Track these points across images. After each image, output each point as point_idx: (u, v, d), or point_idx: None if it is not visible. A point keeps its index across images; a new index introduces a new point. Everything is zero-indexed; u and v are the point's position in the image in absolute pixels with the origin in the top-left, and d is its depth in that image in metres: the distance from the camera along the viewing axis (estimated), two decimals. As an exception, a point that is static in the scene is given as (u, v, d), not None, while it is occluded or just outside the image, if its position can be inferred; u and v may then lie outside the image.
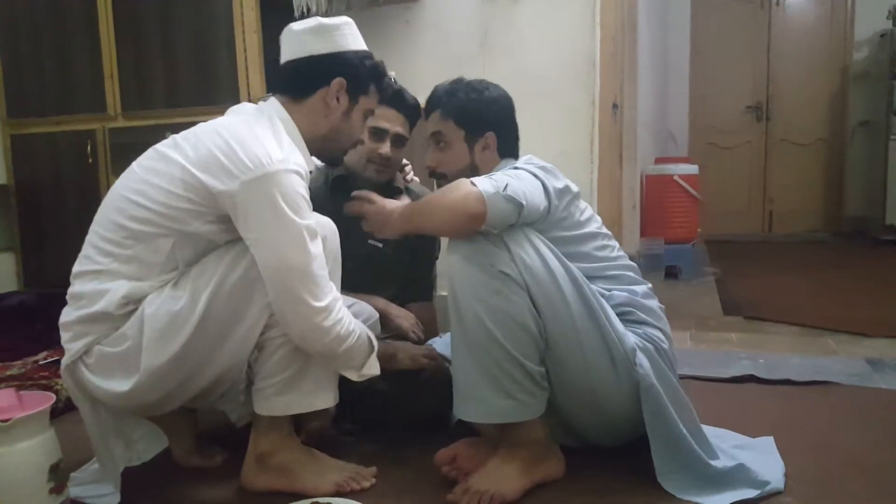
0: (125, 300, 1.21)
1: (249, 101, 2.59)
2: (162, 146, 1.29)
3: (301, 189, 1.21)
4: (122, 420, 1.38)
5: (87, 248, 1.28)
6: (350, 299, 1.52)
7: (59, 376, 1.93)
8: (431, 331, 1.95)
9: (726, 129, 5.86)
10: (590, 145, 2.72)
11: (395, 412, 1.58)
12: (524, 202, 1.26)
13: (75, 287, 1.26)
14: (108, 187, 2.84)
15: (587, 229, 1.43)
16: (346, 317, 1.26)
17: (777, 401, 1.79)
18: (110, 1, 2.77)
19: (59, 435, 1.24)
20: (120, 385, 1.22)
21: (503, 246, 1.27)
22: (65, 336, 1.26)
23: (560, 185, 1.39)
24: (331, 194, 1.72)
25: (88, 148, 2.86)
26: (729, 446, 1.42)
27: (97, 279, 1.23)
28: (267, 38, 2.65)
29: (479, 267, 1.26)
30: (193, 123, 2.68)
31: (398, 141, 1.74)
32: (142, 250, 1.22)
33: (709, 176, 5.20)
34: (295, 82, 1.34)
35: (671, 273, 3.89)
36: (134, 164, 1.31)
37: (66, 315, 1.27)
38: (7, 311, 2.76)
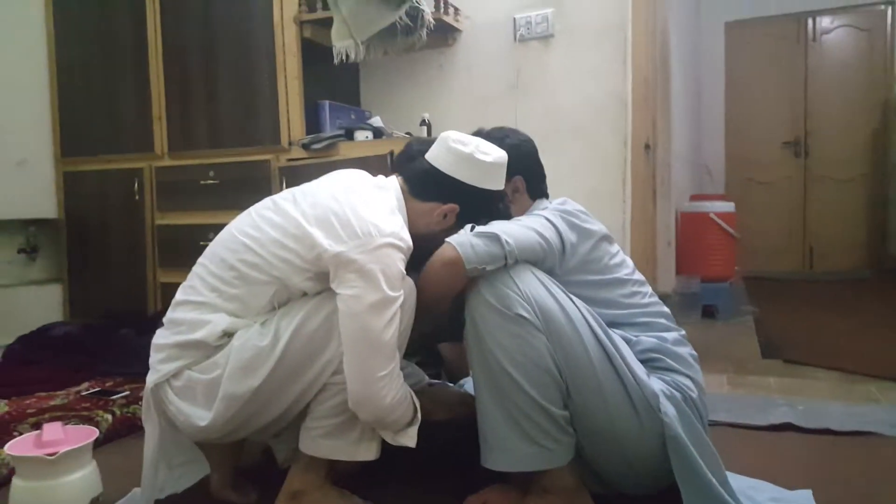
0: (224, 332, 1.28)
1: (290, 142, 2.69)
2: (281, 199, 1.37)
3: (400, 264, 1.27)
4: (175, 447, 1.43)
5: (192, 279, 1.36)
6: (404, 362, 1.56)
7: (100, 408, 2.01)
8: (462, 371, 1.96)
9: (764, 164, 5.78)
10: (622, 184, 2.73)
11: (425, 454, 1.59)
12: (497, 231, 1.29)
13: (176, 314, 1.33)
14: (153, 223, 2.99)
15: (615, 275, 1.43)
16: (401, 386, 1.29)
17: (816, 451, 1.74)
18: (160, 47, 2.92)
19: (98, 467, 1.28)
20: (200, 416, 1.27)
21: (515, 287, 1.28)
22: (156, 357, 1.33)
23: (586, 226, 1.41)
24: None
25: (135, 185, 2.99)
26: (765, 499, 1.39)
27: (198, 310, 1.31)
28: (307, 82, 2.75)
29: (495, 312, 1.27)
30: (235, 163, 2.83)
31: None
32: (246, 292, 1.30)
33: (747, 211, 5.12)
34: (422, 185, 1.43)
35: (708, 312, 3.83)
36: (252, 209, 1.40)
37: (162, 338, 1.33)
38: (53, 340, 2.84)
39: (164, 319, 1.36)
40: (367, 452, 1.34)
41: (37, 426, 1.84)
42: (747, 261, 5.21)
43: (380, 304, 1.22)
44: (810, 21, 5.60)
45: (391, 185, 1.42)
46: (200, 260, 1.38)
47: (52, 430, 1.28)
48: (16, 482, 1.23)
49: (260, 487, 1.51)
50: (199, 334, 1.28)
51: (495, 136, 1.56)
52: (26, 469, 1.23)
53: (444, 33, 2.95)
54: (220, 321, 1.28)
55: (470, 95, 3.01)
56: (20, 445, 1.26)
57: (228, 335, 1.28)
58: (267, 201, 1.40)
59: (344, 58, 2.67)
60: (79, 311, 3.20)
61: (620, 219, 2.73)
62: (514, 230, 1.32)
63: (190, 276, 1.38)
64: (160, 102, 2.94)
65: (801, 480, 1.49)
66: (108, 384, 2.34)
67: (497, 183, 1.44)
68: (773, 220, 5.71)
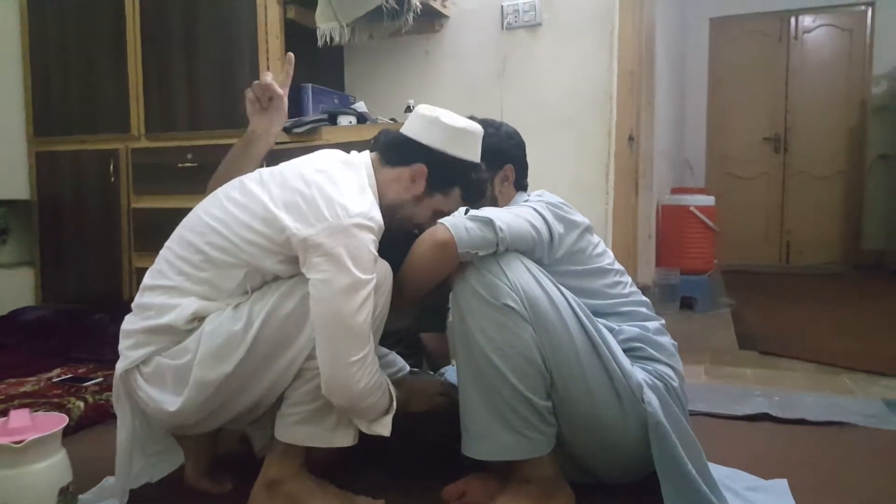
0: (193, 317, 1.25)
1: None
2: (248, 179, 1.34)
3: (371, 245, 1.23)
4: (149, 435, 1.40)
5: (160, 263, 1.32)
6: (383, 349, 1.55)
7: (72, 395, 1.97)
8: (443, 360, 1.95)
9: (744, 159, 5.85)
10: (605, 176, 2.73)
11: (404, 442, 1.58)
12: (492, 217, 1.28)
13: (144, 298, 1.30)
14: (129, 206, 2.91)
15: (599, 264, 1.44)
16: (375, 371, 1.26)
17: (792, 441, 1.76)
18: (138, 25, 2.85)
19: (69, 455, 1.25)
20: (170, 402, 1.25)
21: (503, 277, 1.27)
22: (125, 343, 1.29)
23: (570, 217, 1.42)
24: None
25: (111, 167, 2.92)
26: (742, 488, 1.41)
27: (167, 294, 1.28)
28: (289, 64, 2.69)
29: (483, 301, 1.26)
30: (214, 146, 2.77)
31: None
32: (215, 275, 1.27)
33: (726, 206, 5.18)
34: (392, 151, 1.40)
35: (687, 304, 3.87)
36: (219, 190, 1.36)
37: (131, 323, 1.30)
38: (25, 325, 2.79)
39: (133, 304, 1.32)
40: (345, 438, 1.32)
41: (4, 413, 1.79)
42: (726, 254, 5.27)
43: (350, 288, 1.19)
44: (793, 19, 5.65)
45: (361, 161, 1.38)
46: (167, 244, 1.34)
47: (19, 416, 1.24)
48: (-18, 469, 1.20)
49: (237, 476, 1.49)
50: (167, 318, 1.25)
51: (491, 122, 1.56)
52: (-7, 455, 1.19)
53: (431, 18, 2.92)
54: (189, 304, 1.25)
55: (456, 82, 2.98)
56: (-13, 431, 1.22)
57: (198, 319, 1.26)
58: (234, 182, 1.36)
59: (328, 40, 2.63)
60: (51, 295, 3.12)
61: (603, 210, 2.73)
62: (508, 218, 1.31)
63: (157, 259, 1.34)
64: (137, 82, 2.87)
65: (777, 469, 1.51)
66: (80, 371, 2.30)
67: (467, 151, 1.40)
68: (751, 214, 5.78)
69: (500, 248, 1.28)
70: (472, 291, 1.28)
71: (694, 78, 5.82)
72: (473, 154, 1.42)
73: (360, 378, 1.21)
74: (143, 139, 2.88)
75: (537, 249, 1.34)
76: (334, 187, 1.25)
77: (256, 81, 1.51)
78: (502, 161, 1.54)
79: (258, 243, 1.25)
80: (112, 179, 2.92)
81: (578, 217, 1.46)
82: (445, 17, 2.95)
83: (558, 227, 1.38)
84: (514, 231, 1.30)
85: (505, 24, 2.86)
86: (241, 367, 1.23)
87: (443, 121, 1.37)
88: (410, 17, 2.60)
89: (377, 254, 1.26)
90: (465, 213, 1.33)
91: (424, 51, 3.03)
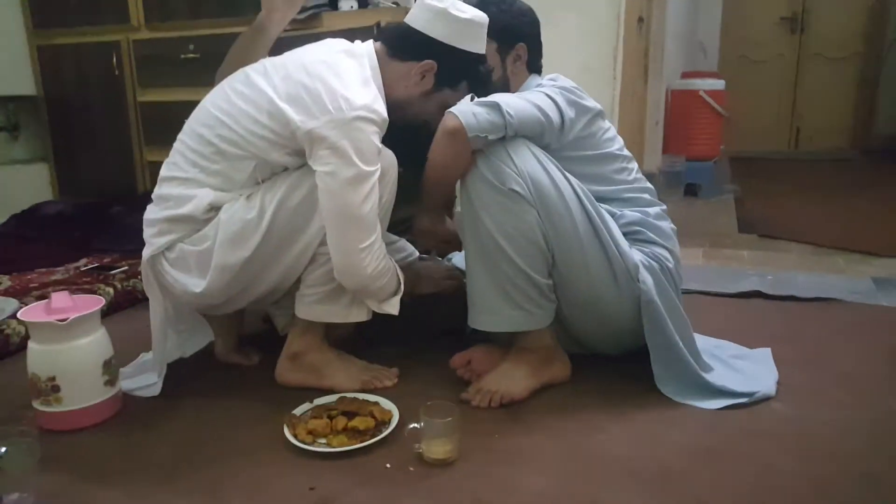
0: (210, 206, 1.32)
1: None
2: (252, 71, 1.36)
3: (375, 137, 1.27)
4: (180, 314, 1.51)
5: (174, 156, 1.38)
6: (392, 237, 1.61)
7: (100, 282, 2.08)
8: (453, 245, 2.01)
9: (759, 41, 5.65)
10: (613, 61, 2.69)
11: (415, 323, 1.69)
12: (499, 101, 1.30)
13: (163, 189, 1.37)
14: (136, 99, 2.91)
15: (608, 149, 1.47)
16: (383, 257, 1.34)
17: (779, 316, 1.87)
18: None
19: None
20: (195, 284, 1.35)
21: (510, 163, 1.31)
22: (149, 231, 1.38)
23: (582, 102, 1.43)
24: None
25: (114, 60, 2.89)
26: (727, 356, 1.52)
27: (184, 185, 1.34)
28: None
29: (490, 186, 1.31)
30: (216, 36, 2.71)
31: None
32: (227, 167, 1.33)
33: (738, 90, 5.07)
34: (398, 44, 1.40)
35: (691, 191, 3.90)
36: (224, 82, 1.39)
37: (152, 213, 1.38)
38: (46, 219, 2.87)
39: (153, 195, 1.40)
40: (359, 314, 1.43)
41: (42, 298, 1.91)
42: (734, 140, 5.22)
43: (355, 179, 1.24)
44: None
45: (364, 51, 1.38)
46: (180, 136, 1.39)
47: (60, 298, 1.34)
48: (32, 346, 1.31)
49: (262, 351, 1.62)
50: (186, 209, 1.32)
51: (503, 1, 1.51)
52: (40, 334, 1.30)
53: None
54: (205, 196, 1.32)
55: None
56: (32, 312, 1.33)
57: (215, 209, 1.33)
58: (239, 73, 1.38)
59: (325, -80, 2.52)
60: (68, 189, 3.20)
61: (610, 96, 2.72)
62: (515, 102, 1.33)
63: (172, 151, 1.39)
64: (133, -34, 2.78)
65: (763, 342, 1.62)
66: (105, 260, 2.41)
67: (475, 44, 1.39)
68: (763, 98, 5.66)
69: (508, 131, 1.31)
70: (480, 176, 1.32)
71: (711, -47, 5.51)
72: (480, 46, 1.41)
73: (368, 263, 1.30)
74: (144, 29, 2.84)
75: (546, 134, 1.37)
76: (337, 79, 1.27)
77: None
78: (514, 39, 1.51)
79: (265, 136, 1.29)
80: (116, 73, 2.90)
81: (591, 102, 1.46)
82: None
83: (569, 113, 1.39)
84: (521, 115, 1.32)
85: None
86: (258, 252, 1.32)
87: (451, 13, 1.35)
88: None
89: (381, 144, 1.31)
90: (472, 100, 1.35)
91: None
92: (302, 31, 2.51)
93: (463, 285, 1.65)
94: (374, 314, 1.45)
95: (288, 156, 1.31)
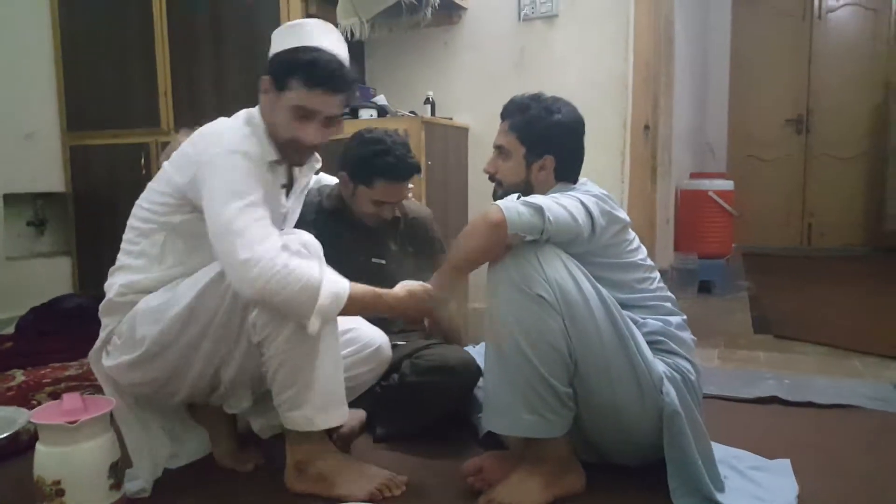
0: (123, 288, 1.42)
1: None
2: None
3: (241, 165, 1.33)
4: (167, 419, 1.53)
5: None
6: (353, 323, 1.56)
7: (114, 378, 2.08)
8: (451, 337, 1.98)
9: (766, 141, 5.80)
10: (620, 164, 2.77)
11: (422, 403, 1.67)
12: (543, 205, 1.33)
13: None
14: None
15: (632, 259, 1.48)
16: (282, 273, 1.25)
17: (798, 423, 1.82)
18: (166, 23, 2.94)
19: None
20: (125, 355, 1.40)
21: (539, 269, 1.33)
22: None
23: (614, 213, 1.44)
24: (328, 222, 1.82)
25: (142, 160, 3.03)
26: (746, 467, 1.48)
27: (113, 275, 1.47)
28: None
29: (517, 289, 1.33)
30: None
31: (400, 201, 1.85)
32: (146, 245, 1.43)
33: (748, 188, 5.16)
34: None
35: (705, 288, 3.90)
36: None
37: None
38: (65, 312, 2.93)
39: None
40: (338, 418, 1.41)
41: (54, 395, 1.92)
42: (746, 237, 5.26)
43: (230, 196, 1.29)
44: (817, -2, 5.57)
45: (250, 110, 1.47)
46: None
47: (71, 399, 1.35)
48: (39, 448, 1.30)
49: (268, 451, 1.59)
50: (107, 296, 1.44)
51: (549, 105, 1.51)
52: (49, 435, 1.30)
53: (449, 11, 2.96)
54: (119, 279, 1.43)
55: (474, 73, 3.03)
56: (43, 413, 1.33)
57: (132, 291, 1.41)
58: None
59: (349, 36, 2.69)
60: (88, 283, 3.27)
61: (618, 198, 2.77)
62: (555, 208, 1.35)
63: None
64: (165, 78, 2.97)
65: (782, 451, 1.57)
66: (119, 355, 2.42)
67: (298, 39, 1.40)
68: (773, 196, 5.74)
69: (544, 236, 1.34)
70: (509, 278, 1.34)
71: (716, 59, 5.76)
72: (304, 39, 1.40)
73: (256, 276, 1.24)
74: (173, 133, 2.99)
75: (577, 241, 1.39)
76: (213, 131, 1.39)
77: None
78: (543, 150, 1.49)
79: (166, 203, 1.40)
80: (143, 172, 3.03)
81: (621, 213, 1.47)
82: (463, 8, 2.99)
83: (601, 221, 1.40)
84: (559, 222, 1.34)
85: (522, 15, 2.90)
86: (176, 326, 1.35)
87: (279, 29, 1.45)
88: (429, 11, 2.66)
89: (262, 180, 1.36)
90: (518, 199, 1.39)
91: (443, 42, 3.08)
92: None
93: (468, 360, 1.69)
94: (375, 402, 1.47)
95: (189, 213, 1.39)
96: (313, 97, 1.39)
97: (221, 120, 1.45)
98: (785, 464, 1.50)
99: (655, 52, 2.75)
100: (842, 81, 5.53)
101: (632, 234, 1.53)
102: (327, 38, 1.43)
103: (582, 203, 1.39)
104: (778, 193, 5.76)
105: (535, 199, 1.37)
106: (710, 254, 4.09)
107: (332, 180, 1.92)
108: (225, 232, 1.28)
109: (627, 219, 1.49)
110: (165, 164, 1.45)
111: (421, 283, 1.45)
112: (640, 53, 2.68)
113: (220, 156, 1.33)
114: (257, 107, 1.47)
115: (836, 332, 2.78)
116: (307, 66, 1.38)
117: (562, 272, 1.34)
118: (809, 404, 1.94)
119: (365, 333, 1.58)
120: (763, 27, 5.73)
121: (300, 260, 1.29)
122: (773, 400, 1.98)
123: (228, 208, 1.28)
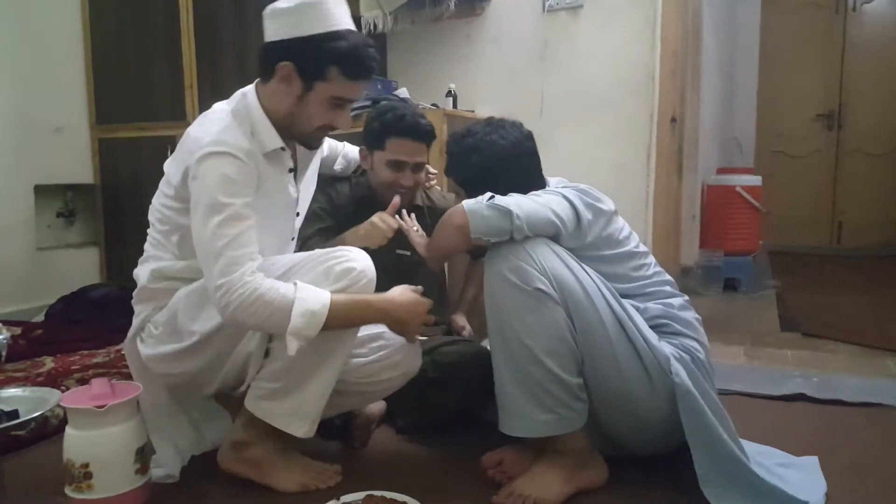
0: (155, 273, 1.43)
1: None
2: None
3: (222, 170, 1.27)
4: (194, 407, 1.55)
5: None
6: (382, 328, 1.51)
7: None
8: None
9: (795, 137, 5.68)
10: (646, 158, 2.74)
11: (443, 397, 1.66)
12: (512, 208, 1.31)
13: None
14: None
15: (625, 248, 1.46)
16: (250, 300, 1.24)
17: (826, 421, 1.78)
18: (191, 16, 2.98)
19: (144, 421, 1.39)
20: (167, 346, 1.40)
21: (532, 262, 1.31)
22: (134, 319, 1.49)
23: (598, 205, 1.44)
24: (356, 209, 1.83)
25: (168, 152, 3.04)
26: (773, 464, 1.44)
27: (141, 265, 1.48)
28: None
29: (514, 288, 1.31)
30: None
31: (417, 168, 1.85)
32: (166, 242, 1.44)
33: (776, 185, 5.07)
34: (260, 67, 1.39)
35: (730, 285, 3.84)
36: None
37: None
38: (92, 301, 2.98)
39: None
40: (298, 429, 1.37)
41: (82, 381, 1.96)
42: (774, 234, 5.17)
43: (209, 210, 1.26)
44: (852, -10, 5.44)
45: (239, 94, 1.42)
46: None
47: (99, 384, 1.37)
48: (69, 431, 1.33)
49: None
50: (139, 283, 1.45)
51: (471, 145, 1.51)
52: (78, 419, 1.32)
53: (472, 2, 2.95)
54: (149, 265, 1.44)
55: (497, 66, 3.02)
56: (72, 398, 1.36)
57: (165, 277, 1.42)
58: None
59: (372, 28, 2.70)
60: (115, 273, 3.33)
61: (644, 192, 2.75)
62: (529, 206, 1.34)
63: None
64: (191, 71, 3.01)
65: (809, 448, 1.54)
66: (145, 343, 2.46)
67: (317, 23, 1.31)
68: (802, 193, 5.62)
69: (515, 236, 1.32)
70: (502, 278, 1.33)
71: (744, 53, 5.64)
72: (328, 22, 1.32)
73: (227, 303, 1.24)
74: (199, 125, 3.02)
75: (562, 237, 1.37)
76: (199, 129, 1.35)
77: None
78: (481, 190, 1.41)
79: (172, 206, 1.39)
80: (170, 164, 3.07)
81: (605, 204, 1.46)
82: (487, 0, 2.98)
83: (587, 214, 1.40)
84: (532, 219, 1.33)
85: (546, 6, 2.87)
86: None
87: (277, 8, 1.32)
88: (452, 3, 2.65)
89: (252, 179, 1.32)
90: (490, 199, 1.35)
91: (466, 35, 3.07)
92: (345, 131, 2.64)
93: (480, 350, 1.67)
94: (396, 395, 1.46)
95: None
96: (354, 87, 1.37)
97: (207, 113, 1.41)
98: (813, 461, 1.47)
99: (683, 43, 2.71)
100: (877, 75, 5.39)
101: (621, 221, 1.51)
102: (347, 15, 1.37)
103: (566, 198, 1.39)
104: (807, 190, 5.64)
105: (510, 197, 1.36)
106: (737, 251, 4.02)
107: (354, 150, 1.95)
108: (203, 253, 1.29)
109: (613, 206, 1.48)
110: (165, 165, 1.44)
111: (414, 287, 1.44)
112: (667, 44, 2.64)
113: (201, 161, 1.28)
114: (251, 92, 1.40)
115: (865, 331, 2.72)
116: (348, 55, 1.32)
117: (553, 260, 1.33)
118: (838, 402, 1.90)
119: (395, 338, 1.53)
120: (794, 20, 5.61)
121: (272, 283, 1.26)
122: (800, 397, 1.95)
123: (207, 228, 1.27)
